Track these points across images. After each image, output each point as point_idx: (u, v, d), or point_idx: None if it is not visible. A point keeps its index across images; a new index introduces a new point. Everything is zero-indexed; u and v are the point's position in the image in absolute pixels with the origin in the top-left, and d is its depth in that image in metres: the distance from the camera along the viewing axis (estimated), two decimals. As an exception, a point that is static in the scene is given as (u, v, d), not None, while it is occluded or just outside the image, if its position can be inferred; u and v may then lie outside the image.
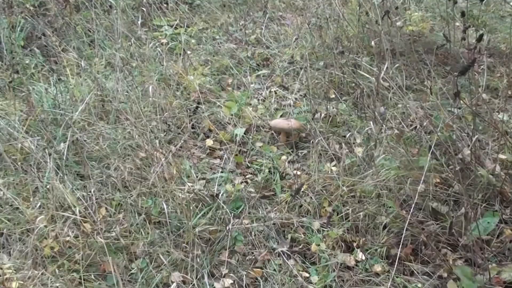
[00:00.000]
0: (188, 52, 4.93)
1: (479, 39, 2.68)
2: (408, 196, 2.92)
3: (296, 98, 4.07)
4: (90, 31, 5.04)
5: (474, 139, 2.98)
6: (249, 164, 3.37)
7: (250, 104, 4.03)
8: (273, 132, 3.63)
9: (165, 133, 3.55)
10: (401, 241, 2.61)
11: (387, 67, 3.79)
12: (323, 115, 3.68)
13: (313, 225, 2.83)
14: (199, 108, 3.81)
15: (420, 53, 4.40)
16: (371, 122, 3.43)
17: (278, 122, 3.53)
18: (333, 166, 3.21)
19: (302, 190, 2.99)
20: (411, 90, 3.94)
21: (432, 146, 2.99)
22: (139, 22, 5.01)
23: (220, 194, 2.98)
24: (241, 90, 4.27)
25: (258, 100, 4.13)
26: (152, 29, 5.39)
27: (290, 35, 4.95)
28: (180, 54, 4.66)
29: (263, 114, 3.90)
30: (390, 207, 2.87)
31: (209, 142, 3.55)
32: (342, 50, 3.76)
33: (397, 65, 4.04)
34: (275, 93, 4.18)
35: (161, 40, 5.16)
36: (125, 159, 3.23)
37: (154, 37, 5.18)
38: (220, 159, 3.46)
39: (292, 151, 3.47)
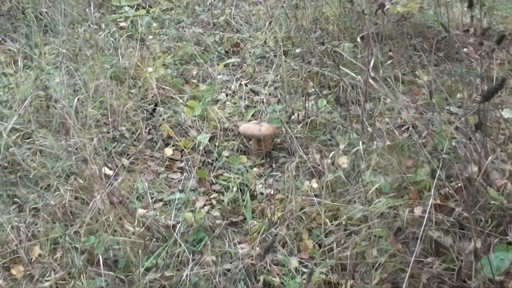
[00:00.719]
0: (150, 37, 4.36)
1: (500, 40, 2.13)
2: (403, 221, 2.42)
3: (269, 93, 3.53)
4: (41, 15, 4.42)
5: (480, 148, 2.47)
6: (214, 180, 2.84)
7: (217, 101, 3.49)
8: (243, 137, 3.10)
9: (115, 143, 3.00)
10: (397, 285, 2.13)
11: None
12: (300, 116, 3.15)
13: (290, 263, 2.32)
14: (156, 111, 3.24)
15: (410, 37, 3.87)
16: (357, 130, 2.93)
17: (248, 127, 2.99)
18: (314, 183, 2.69)
19: (277, 216, 2.48)
20: (401, 82, 3.40)
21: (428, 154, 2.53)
22: (91, 3, 4.42)
23: (178, 225, 2.45)
24: (207, 83, 3.71)
25: (227, 95, 3.58)
26: (110, 11, 4.78)
27: (263, 16, 4.36)
28: (141, 38, 4.09)
29: (232, 114, 3.36)
30: (381, 237, 2.37)
31: (168, 151, 3.01)
32: (322, 39, 3.19)
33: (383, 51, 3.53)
34: (246, 86, 3.63)
35: (120, 23, 4.57)
36: (68, 179, 2.67)
37: (112, 21, 4.58)
38: (181, 172, 2.93)
39: (265, 162, 2.94)
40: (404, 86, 3.30)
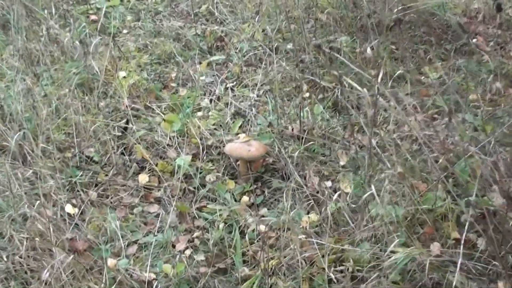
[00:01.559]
0: (124, 31, 3.90)
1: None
2: (420, 265, 2.03)
3: (258, 98, 3.10)
4: (2, 9, 3.95)
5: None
6: (197, 214, 2.42)
7: (200, 109, 3.06)
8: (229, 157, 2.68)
9: (82, 171, 2.57)
10: None
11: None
12: (295, 130, 2.73)
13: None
14: (128, 129, 2.81)
15: (413, 27, 3.43)
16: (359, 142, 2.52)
17: (235, 148, 2.56)
18: (314, 215, 2.29)
19: (272, 264, 2.08)
20: (405, 80, 2.97)
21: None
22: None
23: (155, 283, 2.04)
24: (188, 87, 3.27)
25: (211, 101, 3.14)
26: (81, 2, 4.29)
27: (250, 5, 3.89)
28: (113, 36, 3.63)
29: (216, 125, 2.93)
30: (395, 283, 1.99)
31: (143, 178, 2.58)
32: (318, 43, 2.75)
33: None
34: (232, 90, 3.19)
35: (91, 16, 4.09)
36: (24, 223, 2.25)
37: (82, 13, 4.10)
38: (159, 203, 2.51)
39: (256, 187, 2.53)
40: (410, 86, 2.88)
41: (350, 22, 3.43)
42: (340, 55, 2.98)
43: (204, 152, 2.70)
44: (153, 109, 3.01)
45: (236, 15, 3.87)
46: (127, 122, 2.82)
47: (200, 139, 2.74)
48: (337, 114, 2.94)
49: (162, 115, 2.90)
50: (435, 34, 3.36)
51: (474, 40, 3.34)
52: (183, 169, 2.53)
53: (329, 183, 2.47)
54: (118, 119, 2.87)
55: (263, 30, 3.57)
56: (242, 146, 2.54)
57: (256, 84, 3.20)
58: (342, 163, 2.59)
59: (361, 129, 2.65)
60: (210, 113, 3.01)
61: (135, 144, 2.68)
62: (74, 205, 2.35)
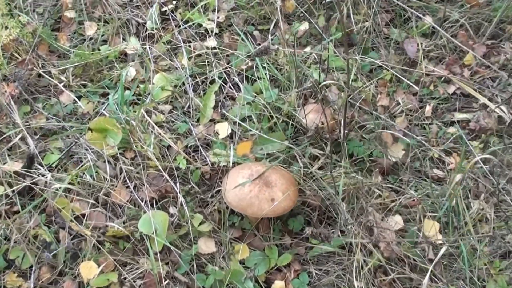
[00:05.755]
0: None
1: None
2: None
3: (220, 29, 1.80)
4: None
5: None
6: None
7: (133, 81, 1.75)
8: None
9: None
10: None
11: None
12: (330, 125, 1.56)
13: None
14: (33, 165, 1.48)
15: None
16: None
17: (248, 202, 1.35)
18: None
19: None
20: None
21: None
22: None
23: None
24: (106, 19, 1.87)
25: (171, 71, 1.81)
26: None
27: None
28: None
29: (176, 108, 1.67)
30: None
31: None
32: None
33: None
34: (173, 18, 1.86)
35: None
36: None
37: None
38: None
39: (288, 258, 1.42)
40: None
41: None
42: None
43: (177, 184, 1.47)
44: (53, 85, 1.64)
45: None
46: (30, 157, 1.46)
47: (163, 157, 1.51)
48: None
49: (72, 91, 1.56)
50: None
51: None
52: (158, 245, 1.34)
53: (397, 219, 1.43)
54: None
55: None
56: (257, 195, 1.35)
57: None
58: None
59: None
60: (155, 81, 1.71)
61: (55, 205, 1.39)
62: None
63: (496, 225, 1.47)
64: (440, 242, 1.43)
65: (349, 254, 1.41)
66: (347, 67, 1.38)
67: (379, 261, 1.38)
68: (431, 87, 1.83)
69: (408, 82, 1.72)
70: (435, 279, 1.39)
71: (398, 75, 1.79)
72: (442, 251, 1.31)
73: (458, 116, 1.78)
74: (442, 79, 1.86)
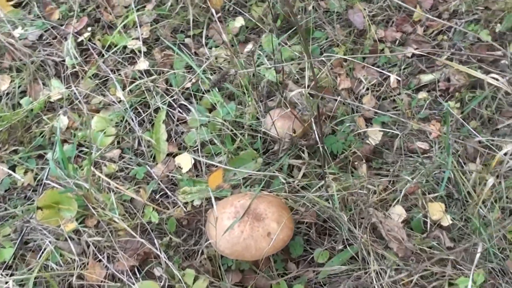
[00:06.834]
0: None
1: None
2: None
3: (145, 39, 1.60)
4: None
5: None
6: None
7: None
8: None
9: None
10: None
11: None
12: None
13: None
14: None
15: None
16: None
17: (243, 245, 1.18)
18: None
19: None
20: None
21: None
22: None
23: None
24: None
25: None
26: None
27: None
28: None
29: (124, 147, 1.46)
30: None
31: None
32: None
33: None
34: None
35: None
36: None
37: None
38: None
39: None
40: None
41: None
42: None
43: (155, 241, 1.29)
44: None
45: None
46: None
47: (129, 214, 1.32)
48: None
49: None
50: None
51: None
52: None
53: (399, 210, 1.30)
54: None
55: None
56: (251, 234, 1.18)
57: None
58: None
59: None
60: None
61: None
62: None
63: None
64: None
65: (363, 264, 1.27)
66: (311, 68, 1.21)
67: (396, 264, 1.25)
68: (389, 54, 1.69)
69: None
70: (458, 265, 1.27)
71: (351, 48, 1.64)
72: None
73: (425, 78, 1.65)
74: (397, 42, 1.73)
